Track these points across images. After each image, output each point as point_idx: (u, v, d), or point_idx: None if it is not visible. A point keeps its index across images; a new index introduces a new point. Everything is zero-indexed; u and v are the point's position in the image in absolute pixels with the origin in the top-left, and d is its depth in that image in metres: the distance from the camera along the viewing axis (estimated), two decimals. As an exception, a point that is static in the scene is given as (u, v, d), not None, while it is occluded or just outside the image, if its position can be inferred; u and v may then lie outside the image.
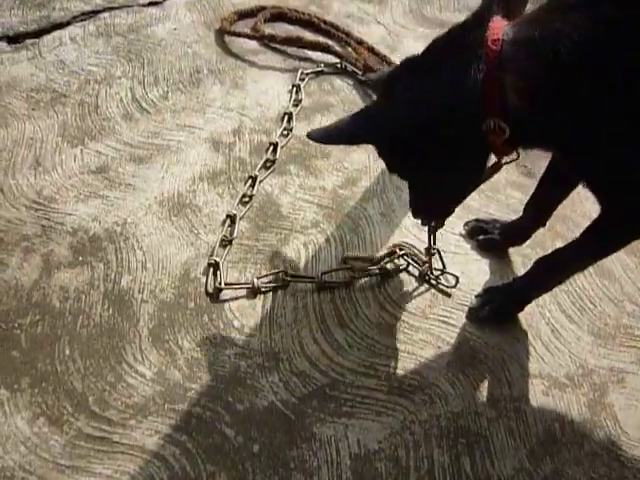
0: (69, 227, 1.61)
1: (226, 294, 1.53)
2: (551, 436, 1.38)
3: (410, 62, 1.23)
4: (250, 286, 1.54)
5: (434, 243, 1.61)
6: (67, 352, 1.37)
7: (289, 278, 1.57)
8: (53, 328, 1.41)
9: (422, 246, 1.66)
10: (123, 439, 1.26)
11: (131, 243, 1.60)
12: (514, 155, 1.27)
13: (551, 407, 1.43)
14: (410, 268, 1.66)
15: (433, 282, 1.64)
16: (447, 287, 1.64)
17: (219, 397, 1.34)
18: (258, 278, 1.55)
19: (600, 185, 1.21)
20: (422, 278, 1.65)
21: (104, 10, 2.39)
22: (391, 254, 1.65)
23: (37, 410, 1.28)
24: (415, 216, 1.51)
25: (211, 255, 1.60)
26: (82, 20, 2.33)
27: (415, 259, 1.66)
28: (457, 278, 1.64)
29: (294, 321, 1.50)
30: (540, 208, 1.63)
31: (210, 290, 1.53)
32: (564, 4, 1.05)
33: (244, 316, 1.50)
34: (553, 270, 1.46)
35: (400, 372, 1.44)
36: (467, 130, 1.16)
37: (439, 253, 1.65)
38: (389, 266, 1.64)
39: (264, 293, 1.55)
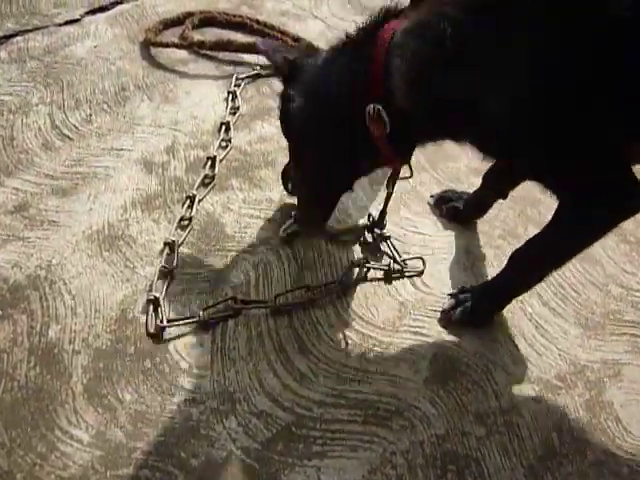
0: (-15, 278, 1.43)
1: (170, 332, 1.35)
2: (550, 449, 1.23)
3: (311, 55, 1.34)
4: (197, 319, 1.36)
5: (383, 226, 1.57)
6: (-12, 425, 1.18)
7: (240, 305, 1.40)
8: (-30, 398, 1.22)
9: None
10: (60, 521, 1.08)
11: (58, 287, 1.41)
12: (406, 169, 1.35)
13: (546, 415, 1.28)
14: (370, 274, 1.51)
15: (400, 270, 1.53)
16: (415, 272, 1.53)
17: (170, 454, 1.16)
18: (205, 310, 1.37)
19: (525, 168, 1.21)
20: (389, 275, 1.51)
21: (17, 34, 2.19)
22: (350, 267, 1.49)
23: (-45, 500, 1.09)
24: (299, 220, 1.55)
25: (150, 290, 1.42)
26: (-8, 47, 2.13)
27: (375, 265, 1.51)
28: (422, 259, 1.53)
29: (249, 354, 1.33)
30: (497, 179, 1.53)
31: (152, 330, 1.35)
32: None
33: (191, 355, 1.32)
34: (528, 266, 1.32)
35: (374, 397, 1.28)
36: (348, 120, 1.21)
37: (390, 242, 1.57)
38: (346, 279, 1.49)
39: (213, 326, 1.38)
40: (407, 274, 1.52)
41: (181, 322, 1.36)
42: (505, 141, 1.09)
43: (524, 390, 1.32)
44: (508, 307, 1.44)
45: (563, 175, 1.10)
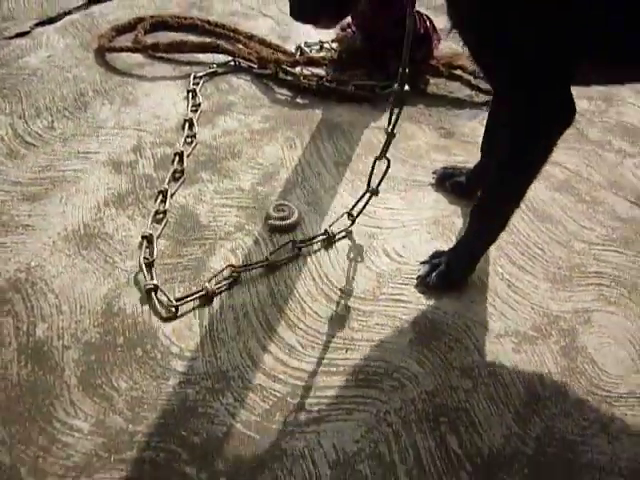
0: (-36, 285, 1.42)
1: (157, 320, 1.37)
2: (533, 394, 1.29)
3: None
4: (204, 292, 1.41)
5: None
6: (-15, 424, 1.18)
7: (238, 269, 1.47)
8: (-36, 400, 1.22)
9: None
10: (69, 507, 1.09)
11: (40, 288, 1.42)
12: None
13: (526, 363, 1.35)
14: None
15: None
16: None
17: (171, 434, 1.18)
18: (208, 282, 1.43)
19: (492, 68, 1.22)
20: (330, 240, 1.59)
21: (-33, 50, 2.18)
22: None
23: (-40, 498, 1.09)
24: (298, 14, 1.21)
25: (150, 279, 1.44)
26: (-57, 64, 2.11)
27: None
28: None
29: (237, 333, 1.36)
30: (494, 147, 1.58)
31: (165, 314, 1.39)
32: None
33: (181, 339, 1.34)
34: (489, 212, 1.40)
35: (362, 362, 1.32)
36: None
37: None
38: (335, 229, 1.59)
39: (219, 294, 1.44)
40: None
41: (190, 298, 1.41)
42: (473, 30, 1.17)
43: (503, 343, 1.38)
44: (480, 270, 1.51)
45: (506, 77, 1.18)
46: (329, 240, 1.57)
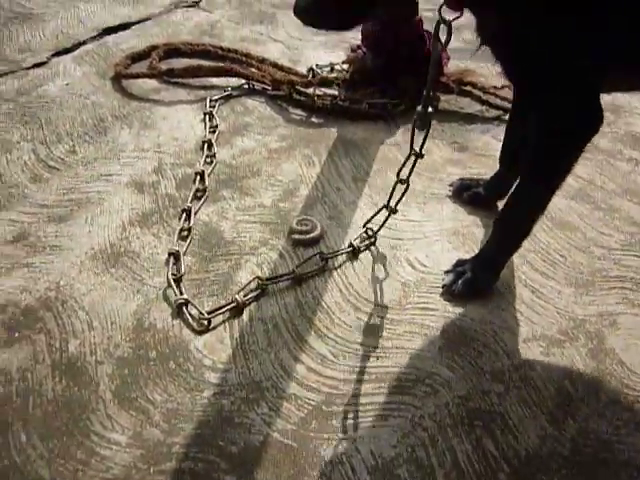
0: (-4, 305, 1.44)
1: (189, 334, 1.39)
2: (565, 395, 1.30)
3: None
4: (235, 304, 1.44)
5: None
6: (24, 439, 1.18)
7: (266, 282, 1.49)
8: (2, 416, 1.22)
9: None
10: (111, 519, 1.09)
11: (70, 305, 1.43)
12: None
13: (556, 366, 1.35)
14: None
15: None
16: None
17: (209, 444, 1.19)
18: (237, 293, 1.45)
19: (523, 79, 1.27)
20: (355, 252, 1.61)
21: (-15, 81, 2.23)
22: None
23: (3, 513, 1.09)
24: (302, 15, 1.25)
25: (180, 294, 1.46)
26: (-36, 94, 2.16)
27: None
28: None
29: (268, 345, 1.37)
30: (513, 158, 1.63)
31: (197, 327, 1.41)
32: None
33: (213, 352, 1.35)
34: (514, 220, 1.43)
35: (394, 369, 1.33)
36: None
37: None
38: (357, 242, 1.62)
39: (248, 305, 1.46)
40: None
41: (222, 310, 1.43)
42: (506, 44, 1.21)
43: (532, 347, 1.39)
44: (503, 277, 1.52)
45: (540, 88, 1.21)
46: (354, 252, 1.59)
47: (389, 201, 1.59)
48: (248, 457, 1.17)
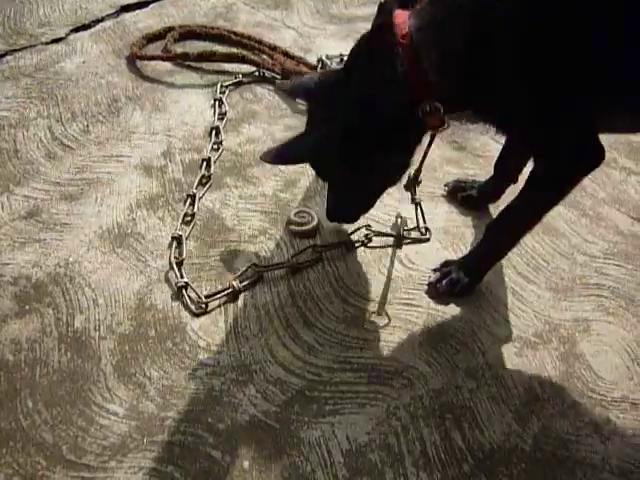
0: (9, 277, 1.53)
1: (186, 315, 1.49)
2: (533, 395, 1.39)
3: (333, 76, 1.38)
4: (231, 289, 1.53)
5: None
6: (30, 405, 1.30)
7: (262, 269, 1.58)
8: (11, 383, 1.33)
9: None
10: (106, 483, 1.20)
11: (78, 282, 1.53)
12: (445, 126, 1.32)
13: (527, 367, 1.45)
14: (374, 240, 1.72)
15: (408, 236, 1.73)
16: (421, 237, 1.74)
17: (198, 420, 1.30)
18: (234, 279, 1.54)
19: (528, 137, 1.34)
20: (399, 240, 1.71)
21: (6, 54, 2.30)
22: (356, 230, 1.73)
23: (9, 471, 1.20)
24: (334, 218, 1.63)
25: (181, 277, 1.55)
26: (-15, 67, 2.24)
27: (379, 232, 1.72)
28: (428, 229, 1.75)
29: (260, 331, 1.47)
30: (507, 166, 1.72)
31: (195, 310, 1.50)
32: None
33: (208, 334, 1.45)
34: (504, 233, 1.50)
35: (375, 361, 1.43)
36: (405, 122, 1.28)
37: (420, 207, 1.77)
38: (354, 237, 1.71)
39: (244, 291, 1.55)
40: (415, 238, 1.73)
41: (219, 295, 1.52)
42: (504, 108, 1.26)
43: (506, 347, 1.48)
44: (487, 279, 1.60)
45: (544, 138, 1.28)
46: (347, 246, 1.67)
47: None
48: (234, 434, 1.28)
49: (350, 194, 1.53)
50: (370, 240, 1.70)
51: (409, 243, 1.71)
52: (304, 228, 1.70)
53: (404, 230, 1.71)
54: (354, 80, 1.29)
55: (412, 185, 1.62)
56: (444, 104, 1.24)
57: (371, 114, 1.27)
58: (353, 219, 1.65)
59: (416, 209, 1.75)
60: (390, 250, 1.69)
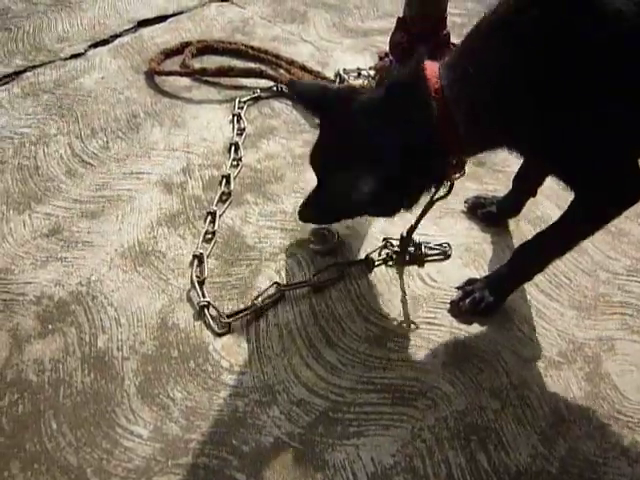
0: (31, 296, 1.54)
1: (208, 335, 1.48)
2: (559, 416, 1.38)
3: (359, 107, 1.36)
4: (254, 309, 1.53)
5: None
6: (54, 426, 1.30)
7: (284, 287, 1.58)
8: (35, 404, 1.33)
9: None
10: (131, 506, 1.20)
11: (100, 301, 1.54)
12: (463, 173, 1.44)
13: (552, 387, 1.43)
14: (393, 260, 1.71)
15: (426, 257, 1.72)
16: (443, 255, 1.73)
17: (223, 442, 1.29)
18: (256, 298, 1.54)
19: (566, 173, 1.31)
20: (421, 258, 1.70)
21: (25, 70, 2.32)
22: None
23: (34, 494, 1.20)
24: (307, 219, 1.65)
25: (203, 297, 1.56)
26: (5, 83, 2.25)
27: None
28: (449, 244, 1.74)
29: (282, 351, 1.47)
30: (526, 180, 1.72)
31: (217, 329, 1.50)
32: (479, 32, 1.23)
33: (231, 354, 1.45)
34: (534, 257, 1.49)
35: (399, 381, 1.42)
36: (436, 174, 1.37)
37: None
38: (374, 256, 1.69)
39: (266, 310, 1.55)
40: (435, 257, 1.72)
41: (242, 314, 1.52)
42: (541, 151, 1.30)
43: (531, 367, 1.47)
44: (510, 298, 1.59)
45: (584, 175, 1.28)
46: (369, 264, 1.67)
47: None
48: (258, 457, 1.27)
49: (339, 208, 1.54)
50: (391, 258, 1.69)
51: (431, 260, 1.70)
52: (324, 246, 1.70)
53: (425, 247, 1.70)
54: (390, 128, 1.28)
55: (405, 245, 1.68)
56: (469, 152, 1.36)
57: (412, 165, 1.28)
58: (324, 223, 1.71)
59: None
60: (411, 267, 1.68)
